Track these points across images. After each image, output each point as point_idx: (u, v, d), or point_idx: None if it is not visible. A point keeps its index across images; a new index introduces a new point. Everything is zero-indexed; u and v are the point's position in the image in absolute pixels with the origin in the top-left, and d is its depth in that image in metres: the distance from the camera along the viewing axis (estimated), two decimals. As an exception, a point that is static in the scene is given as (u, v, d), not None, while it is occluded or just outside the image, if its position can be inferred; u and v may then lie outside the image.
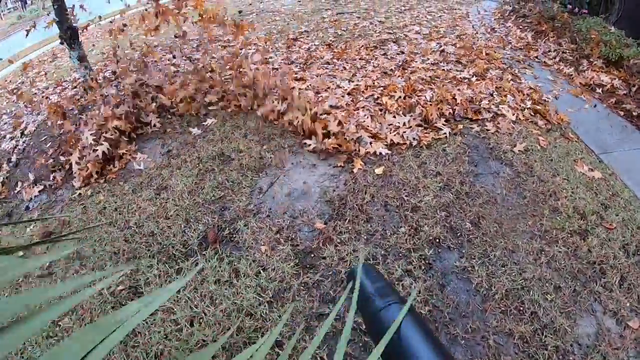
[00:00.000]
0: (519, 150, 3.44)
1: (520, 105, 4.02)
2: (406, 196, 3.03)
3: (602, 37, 4.92)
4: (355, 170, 3.27)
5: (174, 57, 5.70)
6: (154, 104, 4.23)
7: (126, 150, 3.78)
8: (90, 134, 3.66)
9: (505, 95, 4.14)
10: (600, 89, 4.71)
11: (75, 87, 5.40)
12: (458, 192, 3.04)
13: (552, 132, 3.80)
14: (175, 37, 6.42)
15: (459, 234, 2.75)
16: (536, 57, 5.27)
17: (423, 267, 2.51)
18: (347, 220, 2.88)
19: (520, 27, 6.01)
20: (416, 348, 0.47)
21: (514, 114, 3.90)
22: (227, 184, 3.27)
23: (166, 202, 3.12)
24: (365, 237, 2.74)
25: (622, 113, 4.36)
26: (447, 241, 2.68)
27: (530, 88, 4.35)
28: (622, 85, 4.76)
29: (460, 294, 2.37)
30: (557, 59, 5.22)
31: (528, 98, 4.12)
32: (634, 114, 4.38)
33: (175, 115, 4.24)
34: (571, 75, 4.96)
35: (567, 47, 5.38)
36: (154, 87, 4.49)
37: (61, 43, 4.50)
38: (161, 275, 2.52)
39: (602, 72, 4.88)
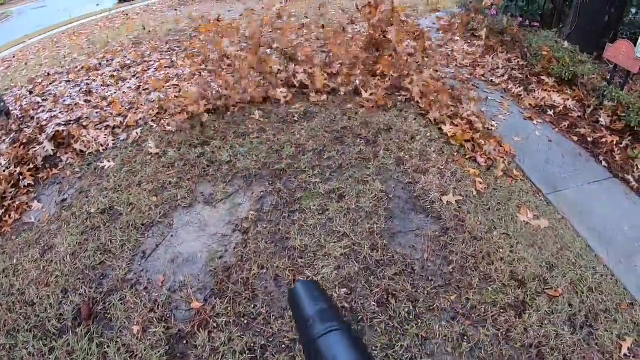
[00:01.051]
0: (447, 202, 2.80)
1: (457, 139, 3.41)
2: (302, 266, 2.36)
3: (555, 53, 4.37)
4: (248, 234, 2.60)
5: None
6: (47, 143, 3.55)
7: (20, 202, 3.18)
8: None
9: (440, 127, 3.52)
10: (552, 111, 4.16)
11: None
12: (366, 261, 2.39)
13: (493, 170, 3.18)
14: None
15: (360, 318, 2.10)
16: (483, 75, 4.70)
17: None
18: (227, 299, 2.21)
19: (469, 41, 5.45)
20: None
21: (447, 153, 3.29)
22: (110, 246, 2.64)
23: (49, 265, 2.59)
24: (245, 322, 2.16)
25: (575, 138, 3.81)
26: (342, 333, 2.00)
27: (473, 114, 3.75)
28: (576, 107, 4.22)
29: None
30: (506, 77, 4.66)
31: (468, 128, 3.50)
32: (589, 139, 3.83)
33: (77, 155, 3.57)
34: (520, 95, 4.41)
35: (517, 64, 4.83)
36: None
37: None
38: (35, 354, 2.13)
39: (554, 91, 4.34)
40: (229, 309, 2.21)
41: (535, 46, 4.75)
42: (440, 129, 3.54)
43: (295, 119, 3.58)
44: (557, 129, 3.96)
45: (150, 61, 5.33)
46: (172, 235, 2.69)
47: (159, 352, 2.06)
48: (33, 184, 3.35)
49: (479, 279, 2.33)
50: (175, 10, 9.13)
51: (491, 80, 4.63)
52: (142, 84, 4.62)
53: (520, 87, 4.49)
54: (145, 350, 2.08)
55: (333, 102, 3.86)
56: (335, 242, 2.51)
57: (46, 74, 5.76)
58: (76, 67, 5.72)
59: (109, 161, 3.31)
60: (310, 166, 3.07)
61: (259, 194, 2.87)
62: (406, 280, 2.29)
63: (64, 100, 4.55)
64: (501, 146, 3.47)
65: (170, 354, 2.07)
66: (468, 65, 4.93)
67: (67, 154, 3.59)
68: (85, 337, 2.19)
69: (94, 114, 4.07)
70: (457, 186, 2.94)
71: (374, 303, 2.18)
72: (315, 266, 2.37)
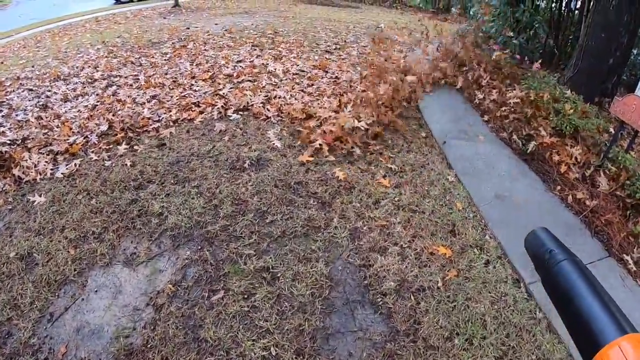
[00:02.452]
0: (407, 291, 2.25)
1: (435, 208, 2.85)
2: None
3: (555, 104, 3.84)
4: (161, 312, 2.10)
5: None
6: None
7: None
8: None
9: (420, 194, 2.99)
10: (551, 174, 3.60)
11: None
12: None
13: (468, 251, 2.56)
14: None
15: None
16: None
17: None
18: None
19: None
20: (589, 302, 0.46)
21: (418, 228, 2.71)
22: (19, 301, 2.20)
23: None
24: None
25: (572, 203, 3.22)
26: None
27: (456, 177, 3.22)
28: (575, 167, 3.64)
29: None
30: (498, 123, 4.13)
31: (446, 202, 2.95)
32: (587, 204, 3.24)
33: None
34: (518, 146, 3.86)
35: (511, 109, 4.29)
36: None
37: None
38: None
39: (552, 150, 3.77)
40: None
41: (535, 91, 4.22)
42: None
43: (246, 165, 3.07)
44: (551, 193, 3.39)
45: (117, 76, 4.85)
46: (83, 299, 2.21)
47: None
48: None
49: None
50: (164, 18, 8.68)
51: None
52: (99, 103, 4.14)
53: (513, 135, 3.95)
54: None
55: (291, 146, 3.33)
56: (254, 341, 1.99)
57: (15, 78, 5.31)
58: (45, 74, 5.27)
59: (40, 195, 2.86)
60: (247, 232, 2.54)
61: (184, 260, 2.37)
62: (332, 407, 1.77)
63: (17, 115, 4.09)
64: (482, 221, 2.91)
65: None
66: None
67: (4, 179, 3.14)
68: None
69: (41, 135, 3.60)
70: (419, 273, 2.36)
71: None
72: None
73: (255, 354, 1.92)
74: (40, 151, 3.45)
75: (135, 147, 3.28)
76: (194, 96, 4.05)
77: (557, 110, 4.00)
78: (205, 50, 5.58)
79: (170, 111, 3.75)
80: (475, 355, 1.97)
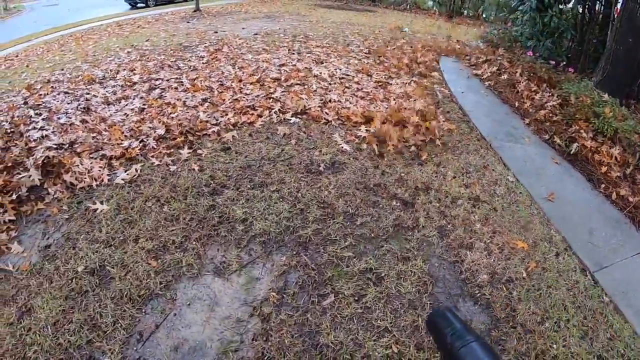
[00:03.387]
0: (499, 282, 2.22)
1: (504, 205, 2.79)
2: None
3: (595, 108, 3.81)
4: (270, 322, 1.94)
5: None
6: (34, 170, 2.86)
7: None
8: None
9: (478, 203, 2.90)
10: (592, 168, 3.57)
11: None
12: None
13: (540, 245, 2.57)
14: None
15: None
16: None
17: None
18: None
19: (495, 88, 4.86)
20: None
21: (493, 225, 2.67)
22: (99, 320, 1.96)
23: (27, 335, 1.90)
24: None
25: (616, 200, 3.20)
26: None
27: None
28: (616, 166, 3.62)
29: None
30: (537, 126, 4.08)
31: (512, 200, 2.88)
32: (630, 200, 3.22)
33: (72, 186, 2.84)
34: (561, 147, 3.81)
35: (550, 111, 4.25)
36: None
37: None
38: None
39: (594, 151, 3.74)
40: None
41: (574, 95, 4.18)
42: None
43: (321, 169, 2.92)
44: (596, 190, 3.37)
45: (158, 79, 4.62)
46: (175, 314, 2.00)
47: None
48: (14, 219, 2.61)
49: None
50: (188, 22, 8.43)
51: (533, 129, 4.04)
52: (146, 106, 3.92)
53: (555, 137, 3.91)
54: None
55: (359, 149, 3.20)
56: (375, 340, 1.87)
57: (46, 81, 5.03)
58: (77, 77, 5.01)
59: (102, 203, 2.61)
60: (341, 234, 2.41)
61: (281, 267, 2.21)
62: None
63: (59, 118, 3.83)
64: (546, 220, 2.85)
65: None
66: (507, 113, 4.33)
67: (55, 186, 2.86)
68: None
69: (90, 139, 3.36)
70: (505, 265, 2.35)
71: None
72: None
73: (378, 353, 1.82)
74: (91, 156, 3.19)
75: (199, 151, 3.08)
76: (247, 99, 3.87)
77: (597, 113, 3.98)
78: (242, 54, 5.39)
79: (226, 114, 3.56)
80: (564, 335, 2.02)
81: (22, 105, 4.32)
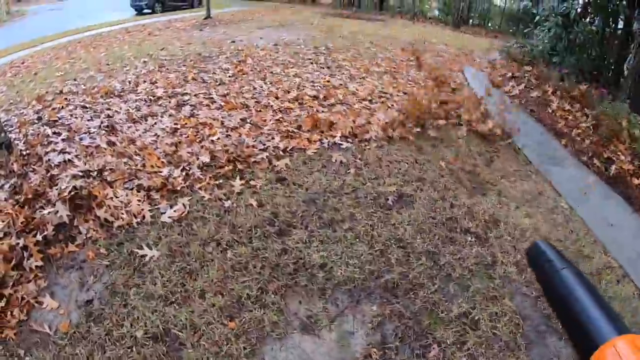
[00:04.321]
0: None
1: (566, 235, 2.60)
2: None
3: (632, 129, 3.68)
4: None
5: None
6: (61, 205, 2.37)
7: (26, 292, 2.01)
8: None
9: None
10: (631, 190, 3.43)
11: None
12: None
13: (602, 273, 2.47)
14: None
15: None
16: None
17: None
18: None
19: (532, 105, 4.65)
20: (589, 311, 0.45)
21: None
22: None
23: None
24: None
25: None
26: None
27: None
28: None
29: None
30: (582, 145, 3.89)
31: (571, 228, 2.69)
32: None
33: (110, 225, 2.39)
34: (599, 169, 3.64)
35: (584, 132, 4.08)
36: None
37: None
38: None
39: (631, 174, 3.60)
40: None
41: (613, 117, 4.03)
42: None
43: (390, 202, 2.60)
44: (637, 214, 3.24)
45: (184, 94, 4.20)
46: None
47: None
48: (42, 265, 2.15)
49: None
50: (201, 30, 7.94)
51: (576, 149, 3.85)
52: (179, 125, 3.50)
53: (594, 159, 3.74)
54: None
55: (423, 179, 2.90)
56: None
57: (58, 92, 4.51)
58: (93, 88, 4.52)
59: (149, 247, 2.19)
60: (427, 276, 2.14)
61: (374, 318, 1.90)
62: None
63: (81, 138, 3.36)
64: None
65: None
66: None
67: (86, 223, 2.37)
68: None
69: (122, 165, 2.92)
70: None
71: None
72: None
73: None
74: (125, 186, 2.73)
75: (252, 182, 2.70)
76: (290, 120, 3.51)
77: (635, 137, 3.86)
78: (269, 67, 5.01)
79: (272, 138, 3.19)
80: None
81: (36, 121, 3.83)
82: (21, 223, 2.35)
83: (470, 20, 12.37)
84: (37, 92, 4.47)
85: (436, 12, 13.67)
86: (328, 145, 3.20)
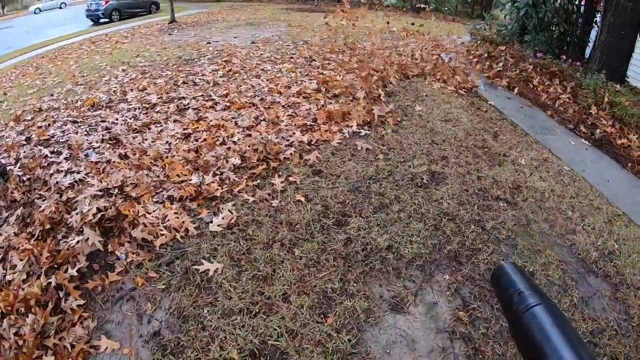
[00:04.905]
0: (604, 256, 2.34)
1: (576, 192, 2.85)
2: None
3: (613, 96, 4.07)
4: (474, 341, 1.71)
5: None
6: (90, 231, 2.18)
7: (76, 339, 1.74)
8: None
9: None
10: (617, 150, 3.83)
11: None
12: None
13: (614, 221, 2.71)
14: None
15: None
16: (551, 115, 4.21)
17: None
18: None
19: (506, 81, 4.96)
20: (561, 354, 0.40)
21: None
22: None
23: None
24: None
25: None
26: None
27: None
28: (635, 147, 3.91)
29: None
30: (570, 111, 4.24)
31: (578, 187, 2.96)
32: None
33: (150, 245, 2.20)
34: (586, 134, 4.01)
35: (566, 102, 4.45)
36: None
37: None
38: None
39: (616, 136, 3.99)
40: None
41: (592, 87, 4.42)
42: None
43: (425, 181, 2.71)
44: (626, 169, 3.63)
45: (181, 98, 4.00)
46: None
47: None
48: (84, 302, 1.90)
49: None
50: (170, 35, 7.53)
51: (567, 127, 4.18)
52: (190, 130, 3.35)
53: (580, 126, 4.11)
54: None
55: (446, 157, 3.03)
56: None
57: (37, 109, 4.12)
58: (76, 102, 4.18)
59: (209, 260, 2.08)
60: (480, 241, 2.28)
61: (449, 285, 2.00)
62: None
63: (87, 155, 3.12)
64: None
65: None
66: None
67: (122, 247, 2.18)
68: None
69: (145, 178, 2.74)
70: (602, 242, 2.44)
71: None
72: None
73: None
74: (154, 200, 2.54)
75: (291, 179, 2.67)
76: (301, 114, 3.48)
77: (614, 102, 4.26)
78: (258, 64, 4.89)
79: (293, 133, 3.16)
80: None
81: (25, 142, 3.49)
82: (46, 259, 2.10)
83: (427, 6, 12.83)
84: (13, 112, 4.04)
85: (393, 1, 14.01)
86: (348, 134, 3.22)
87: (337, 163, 2.86)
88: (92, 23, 12.38)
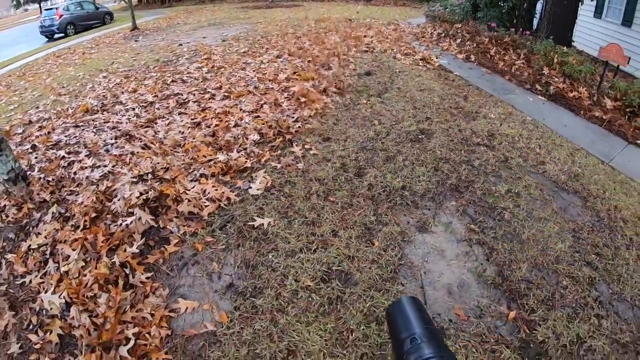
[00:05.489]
0: (573, 179, 3.08)
1: (539, 135, 3.62)
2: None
3: (562, 57, 4.98)
4: (488, 244, 2.33)
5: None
6: (140, 211, 2.51)
7: (153, 307, 2.01)
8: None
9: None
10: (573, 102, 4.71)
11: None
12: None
13: (576, 154, 3.50)
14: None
15: None
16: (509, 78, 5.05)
17: None
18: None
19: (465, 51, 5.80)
20: None
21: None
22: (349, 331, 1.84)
23: None
24: None
25: (594, 120, 4.37)
26: None
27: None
28: (585, 98, 4.83)
29: None
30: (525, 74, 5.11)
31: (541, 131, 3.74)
32: (603, 117, 4.42)
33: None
34: (541, 91, 4.88)
35: (521, 65, 5.34)
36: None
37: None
38: None
39: (567, 90, 4.89)
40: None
41: (543, 52, 5.31)
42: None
43: (419, 137, 3.36)
44: (579, 116, 4.51)
45: (177, 94, 4.37)
46: (424, 272, 2.15)
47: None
48: (151, 274, 2.18)
49: None
50: (136, 41, 7.68)
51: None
52: (200, 118, 3.75)
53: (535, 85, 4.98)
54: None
55: (429, 117, 3.71)
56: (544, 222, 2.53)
57: (27, 122, 4.28)
58: (67, 110, 4.38)
59: (260, 217, 2.47)
60: (474, 174, 2.93)
61: (457, 208, 2.60)
62: None
63: (107, 150, 3.41)
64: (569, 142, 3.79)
65: None
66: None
67: (171, 222, 2.50)
68: None
69: (175, 161, 3.12)
70: (569, 169, 3.19)
71: None
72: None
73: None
74: (189, 179, 2.89)
75: (307, 147, 3.18)
76: (297, 94, 4.01)
77: (564, 62, 5.16)
78: (238, 58, 5.33)
79: (296, 110, 3.68)
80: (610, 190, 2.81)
81: (31, 150, 3.70)
82: (102, 242, 2.36)
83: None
84: (4, 127, 4.18)
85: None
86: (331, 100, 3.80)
87: (341, 130, 3.42)
88: (46, 40, 12.26)
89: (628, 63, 4.42)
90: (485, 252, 2.29)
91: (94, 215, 2.63)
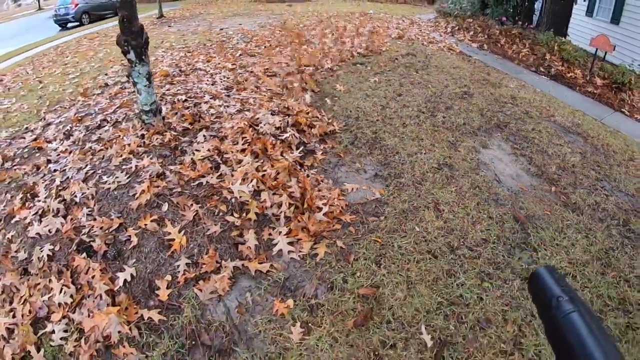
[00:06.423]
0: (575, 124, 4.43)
1: (549, 101, 5.00)
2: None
3: (561, 45, 6.46)
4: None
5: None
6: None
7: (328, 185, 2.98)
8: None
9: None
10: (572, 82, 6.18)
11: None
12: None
13: (576, 114, 4.88)
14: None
15: None
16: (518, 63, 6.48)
17: None
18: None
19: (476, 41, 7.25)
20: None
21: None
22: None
23: None
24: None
25: (587, 94, 5.83)
26: None
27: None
28: (580, 78, 6.32)
29: None
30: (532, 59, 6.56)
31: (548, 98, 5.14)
32: (595, 92, 5.89)
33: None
34: (543, 72, 6.32)
35: (527, 53, 6.81)
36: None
37: (124, 52, 3.28)
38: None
39: (565, 72, 6.36)
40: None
41: (545, 42, 6.80)
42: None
43: (464, 96, 4.64)
44: (575, 92, 5.97)
45: (253, 64, 5.45)
46: (494, 167, 3.36)
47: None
48: (315, 171, 3.07)
49: None
50: (169, 27, 8.68)
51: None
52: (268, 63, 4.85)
53: (540, 68, 6.43)
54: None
55: (467, 85, 5.02)
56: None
57: (103, 84, 5.15)
58: (155, 73, 5.33)
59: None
60: (509, 118, 4.21)
61: (501, 138, 3.82)
62: None
63: (227, 94, 4.32)
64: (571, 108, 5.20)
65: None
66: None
67: (312, 137, 3.53)
68: None
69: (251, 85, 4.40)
70: (569, 120, 4.57)
71: None
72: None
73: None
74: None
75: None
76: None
77: (563, 49, 6.67)
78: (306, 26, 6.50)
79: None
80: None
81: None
82: (270, 148, 3.19)
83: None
84: (59, 95, 5.04)
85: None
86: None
87: (407, 89, 4.65)
88: (59, 29, 12.78)
89: (614, 49, 5.93)
90: (527, 159, 3.50)
91: (248, 135, 3.35)
